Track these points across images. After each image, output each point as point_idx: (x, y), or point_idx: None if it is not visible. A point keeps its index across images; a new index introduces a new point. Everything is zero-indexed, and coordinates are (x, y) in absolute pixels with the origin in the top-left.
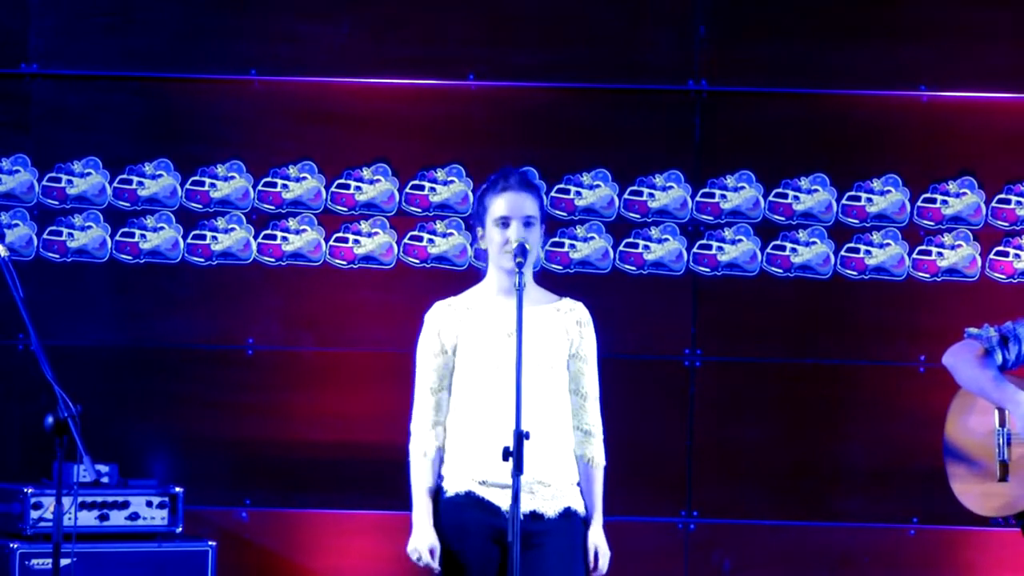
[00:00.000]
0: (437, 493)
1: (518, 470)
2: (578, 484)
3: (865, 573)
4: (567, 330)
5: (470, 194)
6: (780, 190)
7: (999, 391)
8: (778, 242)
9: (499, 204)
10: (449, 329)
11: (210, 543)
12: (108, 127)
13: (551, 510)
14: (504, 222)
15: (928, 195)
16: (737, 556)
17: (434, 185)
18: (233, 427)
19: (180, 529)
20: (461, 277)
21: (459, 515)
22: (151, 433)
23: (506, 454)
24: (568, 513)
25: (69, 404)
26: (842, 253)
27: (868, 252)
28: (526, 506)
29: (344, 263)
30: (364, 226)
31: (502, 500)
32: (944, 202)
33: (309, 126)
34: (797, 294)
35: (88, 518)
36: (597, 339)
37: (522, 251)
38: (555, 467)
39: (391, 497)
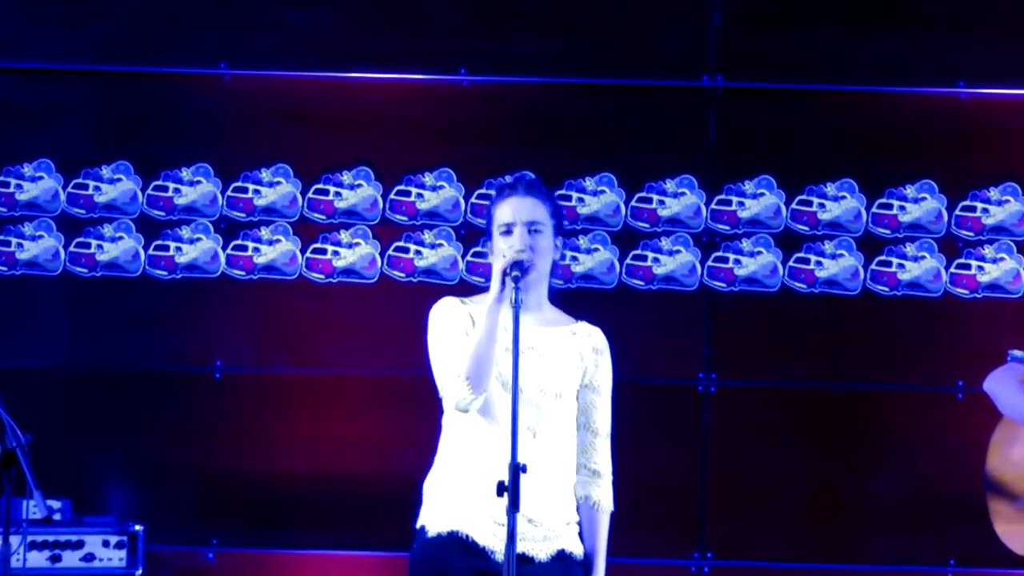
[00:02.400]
0: (417, 533)
1: (514, 507)
2: (577, 524)
3: None
4: (582, 356)
5: (461, 201)
6: (804, 197)
7: None
8: (801, 254)
9: (503, 210)
10: (468, 323)
11: None
12: (62, 126)
13: (542, 553)
14: (507, 229)
15: (967, 203)
16: None
17: (422, 191)
18: (199, 457)
19: (140, 572)
20: (451, 292)
21: (440, 557)
22: (108, 465)
23: (500, 489)
24: (562, 556)
25: (18, 432)
26: (872, 267)
27: (901, 266)
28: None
29: (322, 277)
30: (344, 236)
31: (488, 540)
32: (985, 211)
33: (284, 125)
34: (822, 312)
35: (39, 559)
36: None
37: (519, 267)
38: (548, 505)
39: (376, 536)
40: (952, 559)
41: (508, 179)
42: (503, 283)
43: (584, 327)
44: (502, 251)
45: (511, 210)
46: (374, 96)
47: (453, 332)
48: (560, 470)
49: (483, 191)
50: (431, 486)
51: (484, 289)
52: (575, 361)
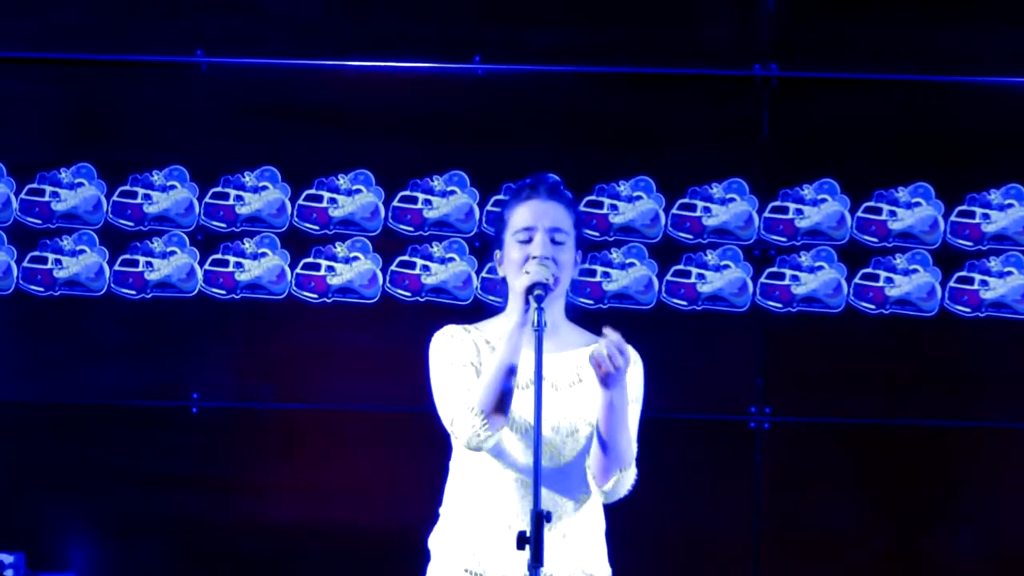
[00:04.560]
0: None
1: (537, 561)
2: None
3: None
4: None
5: (475, 208)
6: (871, 204)
7: None
8: (869, 270)
9: (521, 214)
10: (473, 354)
11: None
12: (15, 124)
13: None
14: (527, 236)
15: None
16: None
17: (430, 197)
18: (173, 505)
19: None
20: (464, 314)
21: None
22: (68, 513)
23: (521, 541)
24: None
25: None
26: (951, 284)
27: (984, 283)
28: None
29: (315, 296)
30: (340, 249)
31: None
32: None
33: (271, 122)
34: (893, 336)
35: None
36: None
37: (542, 287)
38: (574, 560)
39: None
40: None
41: (526, 180)
42: (527, 303)
43: None
44: (516, 261)
45: (531, 214)
46: (374, 88)
47: (458, 363)
48: (583, 516)
49: (500, 197)
50: (437, 540)
51: (492, 313)
52: (593, 387)
